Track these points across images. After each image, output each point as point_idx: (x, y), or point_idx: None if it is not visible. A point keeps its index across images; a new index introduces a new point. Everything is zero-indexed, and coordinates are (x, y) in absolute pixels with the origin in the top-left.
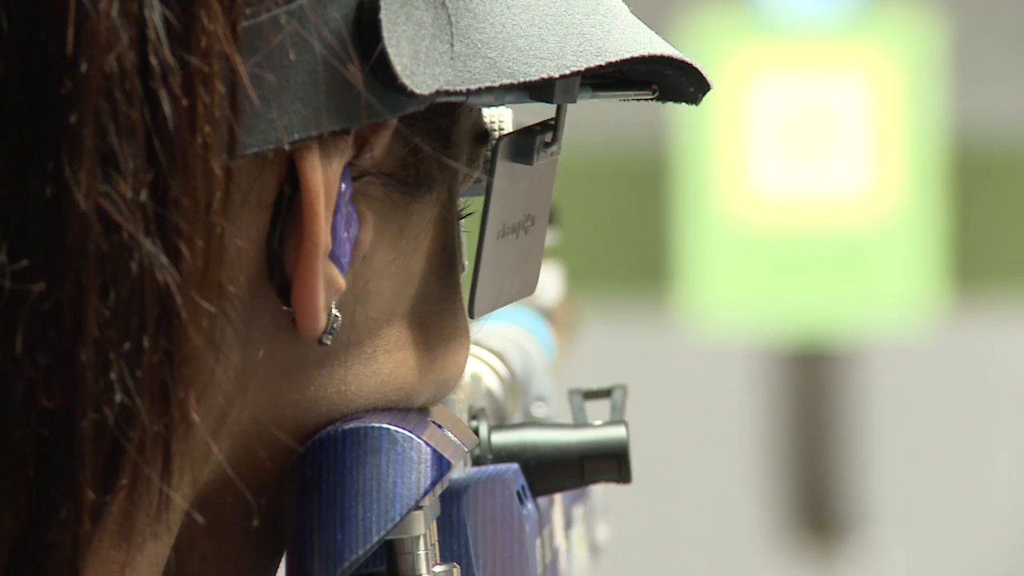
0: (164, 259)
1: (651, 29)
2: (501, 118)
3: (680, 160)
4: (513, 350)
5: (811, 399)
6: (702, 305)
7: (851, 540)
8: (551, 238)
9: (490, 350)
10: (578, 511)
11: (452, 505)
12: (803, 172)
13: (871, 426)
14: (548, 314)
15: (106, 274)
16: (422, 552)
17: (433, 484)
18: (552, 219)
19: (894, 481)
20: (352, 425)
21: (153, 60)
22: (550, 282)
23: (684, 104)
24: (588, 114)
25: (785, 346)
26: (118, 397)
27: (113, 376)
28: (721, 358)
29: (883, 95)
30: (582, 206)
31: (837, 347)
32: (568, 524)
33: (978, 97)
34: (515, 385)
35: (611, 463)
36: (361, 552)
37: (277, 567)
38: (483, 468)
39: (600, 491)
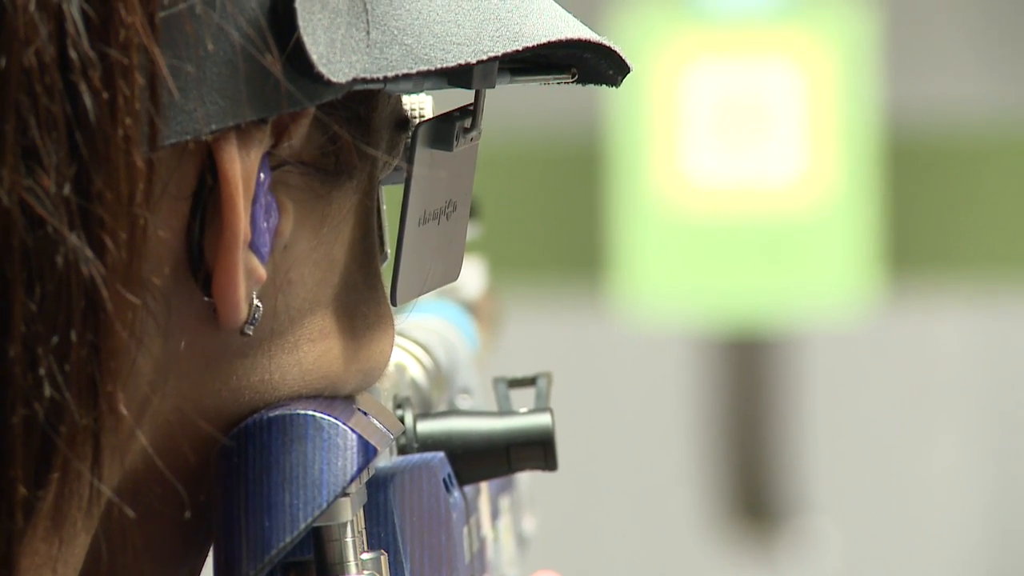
0: (89, 252)
1: (579, 14)
2: (421, 105)
3: (614, 148)
4: (437, 342)
5: (747, 387)
6: (637, 293)
7: (788, 528)
8: (473, 232)
9: (415, 341)
10: (505, 502)
11: (379, 493)
12: (737, 159)
13: (807, 413)
14: (471, 307)
15: (31, 269)
16: (349, 539)
17: (359, 471)
18: (473, 213)
19: (831, 469)
20: (277, 412)
21: (72, 53)
22: (473, 275)
23: (606, 86)
24: (522, 101)
25: (720, 334)
26: (47, 392)
27: (42, 371)
28: (656, 346)
29: (816, 82)
30: (515, 193)
31: (772, 334)
32: (495, 514)
33: (911, 84)
34: (440, 376)
35: (537, 450)
36: (288, 539)
37: (205, 556)
38: (409, 456)
39: (526, 483)
